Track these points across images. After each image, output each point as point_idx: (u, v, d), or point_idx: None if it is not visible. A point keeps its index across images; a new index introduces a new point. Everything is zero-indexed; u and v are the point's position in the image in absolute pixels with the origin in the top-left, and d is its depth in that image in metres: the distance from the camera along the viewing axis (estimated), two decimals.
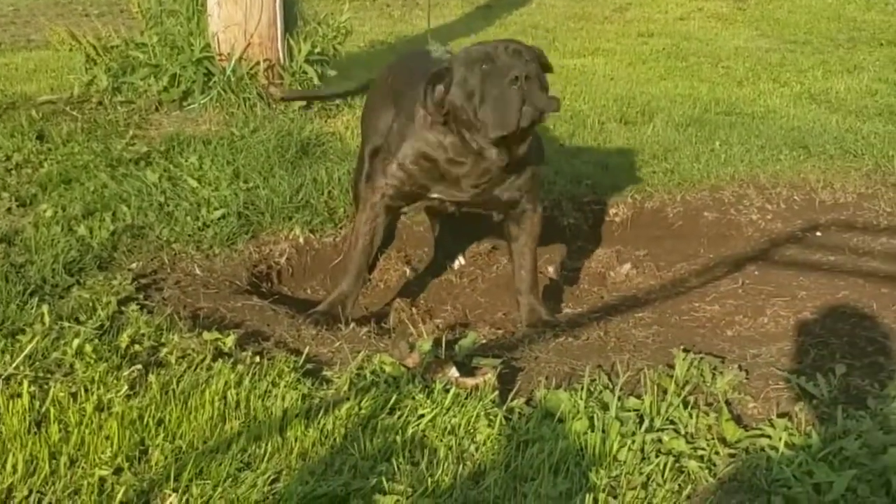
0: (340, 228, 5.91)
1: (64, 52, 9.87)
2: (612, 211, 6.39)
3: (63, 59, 9.59)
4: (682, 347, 4.25)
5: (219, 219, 5.72)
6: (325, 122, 7.62)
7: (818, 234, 6.01)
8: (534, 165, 4.92)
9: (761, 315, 4.95)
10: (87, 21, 12.24)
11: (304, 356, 4.09)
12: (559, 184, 6.51)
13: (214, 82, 7.58)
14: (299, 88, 7.75)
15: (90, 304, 4.54)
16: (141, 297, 4.76)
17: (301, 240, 5.78)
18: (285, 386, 3.80)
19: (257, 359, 4.08)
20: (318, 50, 7.91)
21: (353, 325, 4.71)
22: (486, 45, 4.61)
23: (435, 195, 4.89)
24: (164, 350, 4.11)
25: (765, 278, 5.42)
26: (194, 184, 6.16)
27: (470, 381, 3.91)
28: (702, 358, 4.12)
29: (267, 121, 7.32)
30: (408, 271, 5.82)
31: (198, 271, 5.26)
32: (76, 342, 4.01)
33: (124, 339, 4.13)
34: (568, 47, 11.55)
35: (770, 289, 5.30)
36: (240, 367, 3.91)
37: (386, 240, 5.76)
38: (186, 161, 6.53)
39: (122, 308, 4.55)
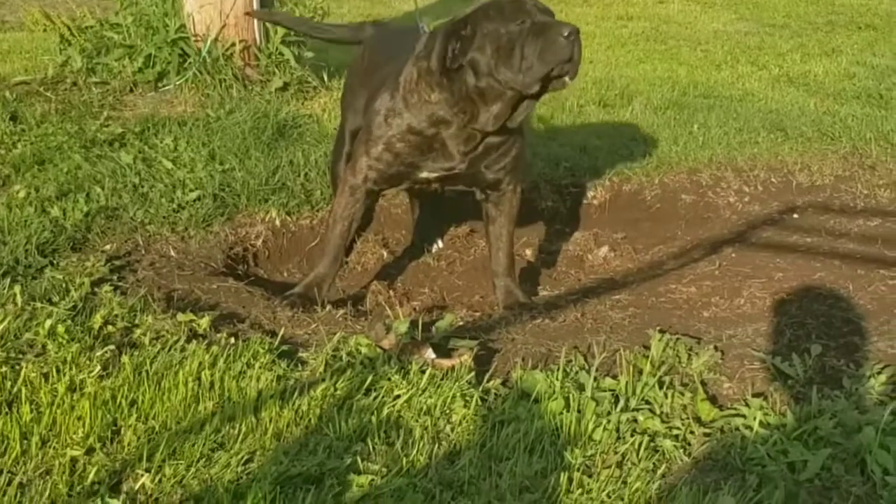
0: (317, 211, 5.87)
1: (38, 32, 9.83)
2: (590, 194, 6.38)
3: (37, 41, 9.53)
4: (657, 328, 4.24)
5: (194, 200, 5.68)
6: (302, 104, 7.58)
7: (795, 216, 6.02)
8: (520, 146, 4.89)
9: (737, 297, 4.95)
10: (63, 2, 12.13)
11: (279, 337, 4.06)
12: (537, 166, 6.49)
13: (190, 63, 7.52)
14: (275, 70, 7.69)
15: (63, 285, 4.50)
16: (114, 278, 4.73)
17: (277, 222, 5.74)
18: (260, 367, 3.77)
19: (232, 340, 4.06)
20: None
21: (329, 307, 4.68)
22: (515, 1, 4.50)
23: (424, 174, 4.81)
24: (138, 331, 4.07)
25: (741, 260, 5.42)
26: (169, 165, 6.11)
27: (446, 363, 3.89)
28: (678, 339, 4.11)
29: (243, 102, 7.27)
30: (385, 254, 5.79)
31: (172, 253, 5.22)
32: (48, 323, 3.97)
33: (97, 319, 4.08)
34: None
35: (747, 270, 5.31)
36: (214, 349, 3.87)
37: (364, 222, 5.73)
38: (161, 142, 6.49)
39: (95, 289, 4.51)
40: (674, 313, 4.82)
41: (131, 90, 7.48)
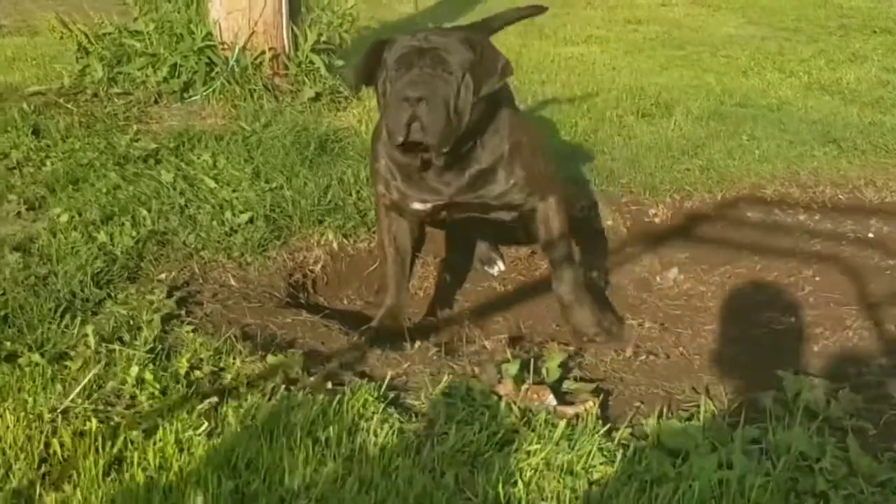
0: (373, 233, 5.54)
1: (40, 38, 9.44)
2: (650, 211, 6.08)
3: (41, 47, 9.13)
4: (791, 370, 3.95)
5: (246, 223, 5.35)
6: (335, 115, 7.24)
7: (871, 235, 5.76)
8: (525, 164, 4.53)
9: (842, 327, 4.66)
10: (54, 5, 11.74)
11: (384, 383, 3.73)
12: (593, 183, 6.19)
13: (217, 73, 7.16)
14: (305, 79, 7.34)
15: (131, 322, 4.16)
16: (182, 312, 4.39)
17: (335, 245, 5.42)
18: (375, 418, 3.45)
19: (328, 385, 3.75)
20: (323, 38, 7.50)
21: (418, 343, 4.37)
22: (411, 42, 4.24)
23: (417, 205, 4.56)
24: (228, 376, 3.76)
25: (829, 285, 5.14)
26: (212, 184, 5.77)
27: (570, 410, 3.60)
28: (810, 378, 3.83)
29: (278, 115, 6.93)
30: (448, 278, 5.48)
31: (233, 282, 4.90)
32: (134, 369, 3.64)
33: (182, 363, 3.76)
34: (559, 35, 11.22)
35: (838, 296, 5.04)
36: (321, 399, 3.55)
37: (420, 244, 5.42)
38: (199, 158, 6.14)
39: (166, 326, 4.18)
40: (781, 346, 4.54)
41: (156, 101, 7.12)
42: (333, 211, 5.61)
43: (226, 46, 7.22)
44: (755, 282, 5.44)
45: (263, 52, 7.25)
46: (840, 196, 6.16)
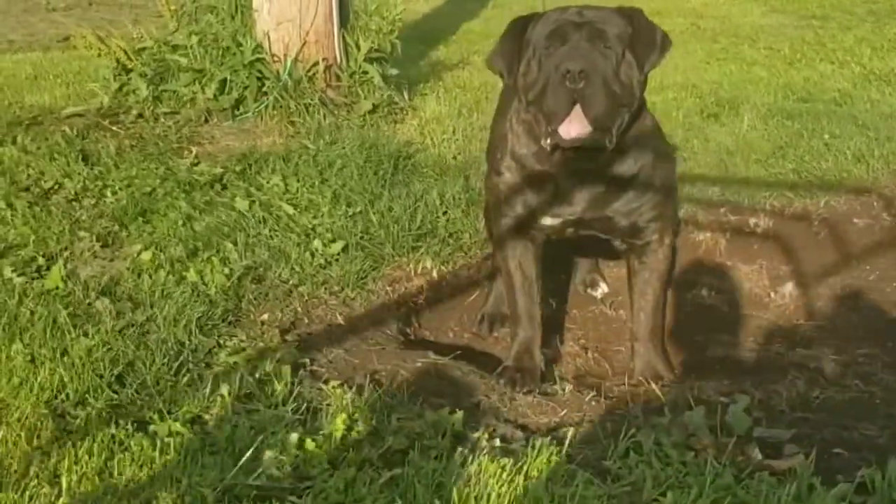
0: (470, 258, 5.18)
1: (58, 54, 9.01)
2: (751, 220, 5.73)
3: (60, 63, 8.72)
4: None
5: (339, 253, 4.97)
6: (395, 128, 6.86)
7: None
8: (663, 186, 4.14)
9: None
10: (54, 15, 11.33)
11: (566, 442, 3.36)
12: (683, 190, 5.84)
13: (269, 87, 6.76)
14: (359, 91, 6.95)
15: (258, 376, 3.78)
16: (307, 360, 4.01)
17: (434, 274, 5.04)
18: (577, 486, 3.08)
19: (497, 442, 3.38)
20: (375, 46, 7.11)
21: (567, 385, 4.00)
22: (563, 16, 3.81)
23: (548, 221, 4.13)
24: (390, 438, 3.36)
25: None
26: (290, 210, 5.40)
27: (782, 465, 3.23)
28: None
29: (341, 130, 6.54)
30: (554, 304, 5.11)
31: (340, 320, 4.52)
32: (293, 437, 3.25)
33: (339, 426, 3.38)
34: None
35: None
36: (504, 462, 3.18)
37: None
38: (268, 182, 5.76)
39: (294, 377, 3.80)
40: None
41: (206, 120, 6.70)
42: (426, 236, 5.24)
43: (276, 59, 6.82)
44: (875, 295, 5.11)
45: (317, 64, 6.85)
46: None
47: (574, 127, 3.67)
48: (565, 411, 3.76)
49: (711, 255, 5.61)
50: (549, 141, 3.78)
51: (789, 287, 5.30)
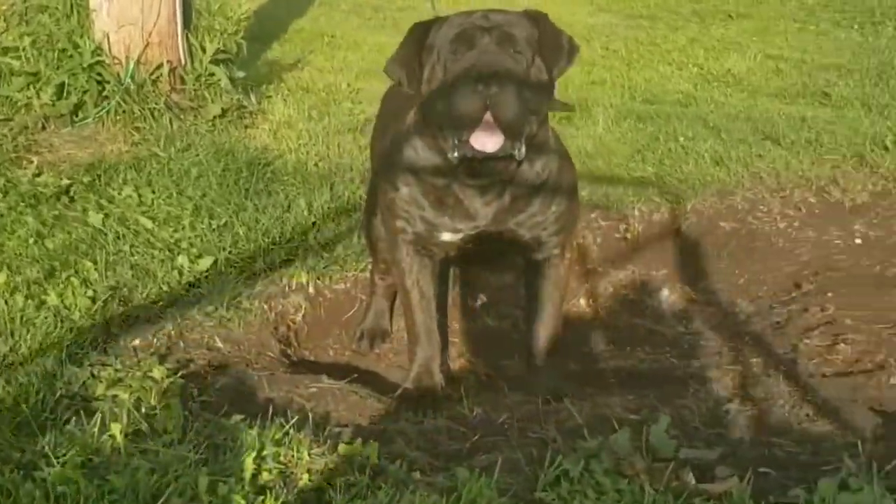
0: (346, 271, 4.95)
1: None
2: (621, 227, 5.67)
3: None
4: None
5: (208, 270, 4.68)
6: (246, 132, 6.56)
7: (858, 241, 5.51)
8: (567, 195, 3.99)
9: None
10: None
11: (495, 473, 3.17)
12: None
13: (111, 91, 6.36)
14: (206, 94, 6.61)
15: (145, 410, 3.48)
16: (195, 390, 3.73)
17: (311, 289, 4.79)
18: None
19: (417, 476, 3.18)
20: (220, 47, 6.78)
21: (477, 409, 3.82)
22: (468, 20, 3.58)
23: (447, 236, 3.91)
24: (304, 475, 3.12)
25: (860, 301, 4.79)
26: (148, 223, 5.08)
27: (717, 488, 3.13)
28: None
29: (186, 136, 6.20)
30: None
31: (220, 343, 4.24)
32: (203, 481, 2.98)
33: (248, 466, 3.12)
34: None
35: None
36: (433, 497, 2.98)
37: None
38: (120, 194, 5.41)
39: (186, 410, 3.52)
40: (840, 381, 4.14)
41: (43, 127, 6.25)
42: (298, 249, 5.00)
43: (117, 61, 6.42)
44: (745, 299, 5.13)
45: (161, 66, 6.48)
46: (811, 199, 5.89)
47: (485, 136, 3.48)
48: (477, 436, 3.58)
49: (584, 262, 5.53)
50: (456, 153, 3.58)
51: (665, 293, 5.26)
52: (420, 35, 3.66)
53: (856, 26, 10.71)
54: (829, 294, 4.91)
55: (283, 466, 3.19)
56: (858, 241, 5.52)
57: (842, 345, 4.35)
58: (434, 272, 4.11)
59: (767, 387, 4.03)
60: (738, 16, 11.49)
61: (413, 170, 3.83)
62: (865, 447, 3.32)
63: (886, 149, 6.58)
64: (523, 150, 3.58)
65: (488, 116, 3.45)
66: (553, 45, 3.67)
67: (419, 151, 3.79)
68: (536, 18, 3.69)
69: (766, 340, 4.56)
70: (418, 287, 4.06)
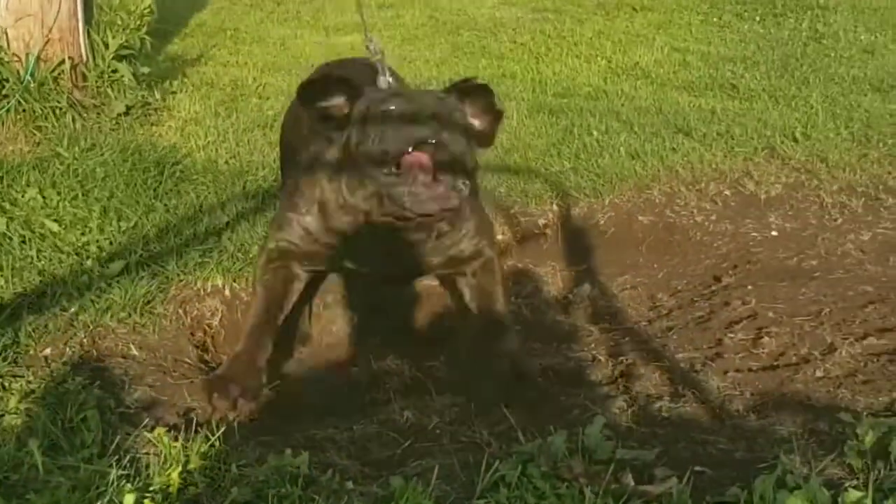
0: None
1: None
2: (540, 221, 5.63)
3: None
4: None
5: (119, 274, 4.51)
6: (151, 130, 6.38)
7: (774, 233, 5.53)
8: (476, 214, 3.83)
9: (833, 350, 4.29)
10: None
11: (431, 482, 3.08)
12: None
13: (10, 89, 6.12)
14: (109, 91, 6.40)
15: (59, 423, 3.33)
16: (111, 401, 3.57)
17: (227, 293, 4.66)
18: None
19: (350, 485, 3.08)
20: (123, 43, 6.57)
21: (407, 413, 3.71)
22: (394, 99, 3.47)
23: (350, 265, 3.77)
24: (234, 489, 3.00)
25: (780, 294, 4.80)
26: (55, 227, 4.89)
27: (656, 489, 3.08)
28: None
29: (90, 135, 6.00)
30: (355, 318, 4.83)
31: (135, 351, 4.09)
32: (129, 498, 2.83)
33: (174, 481, 2.98)
34: (322, 23, 10.67)
35: (815, 309, 4.67)
36: None
37: None
38: (23, 196, 5.20)
39: (104, 422, 3.38)
40: (764, 374, 4.12)
41: None
42: (212, 250, 4.85)
43: (16, 58, 6.18)
44: (665, 292, 5.11)
45: (62, 63, 6.26)
46: (726, 192, 5.90)
47: (425, 198, 3.29)
48: (409, 441, 3.49)
49: (505, 258, 5.46)
50: (385, 217, 3.40)
51: (587, 288, 5.22)
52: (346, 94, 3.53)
53: (758, 18, 10.80)
54: (750, 287, 4.92)
55: (209, 480, 3.07)
56: (775, 233, 5.55)
57: (766, 338, 4.35)
58: (298, 283, 3.90)
59: (696, 382, 4.00)
60: (643, 8, 11.52)
61: (322, 203, 3.64)
62: None
63: (796, 140, 6.66)
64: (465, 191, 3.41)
65: (426, 160, 3.29)
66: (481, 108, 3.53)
67: (333, 192, 3.59)
68: (462, 90, 3.52)
69: (691, 335, 4.54)
70: (273, 292, 3.84)
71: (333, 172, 3.57)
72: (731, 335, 4.44)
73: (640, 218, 5.72)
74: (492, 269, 3.91)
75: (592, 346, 4.64)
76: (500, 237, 5.46)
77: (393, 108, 3.38)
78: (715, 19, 10.89)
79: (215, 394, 3.60)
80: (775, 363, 4.19)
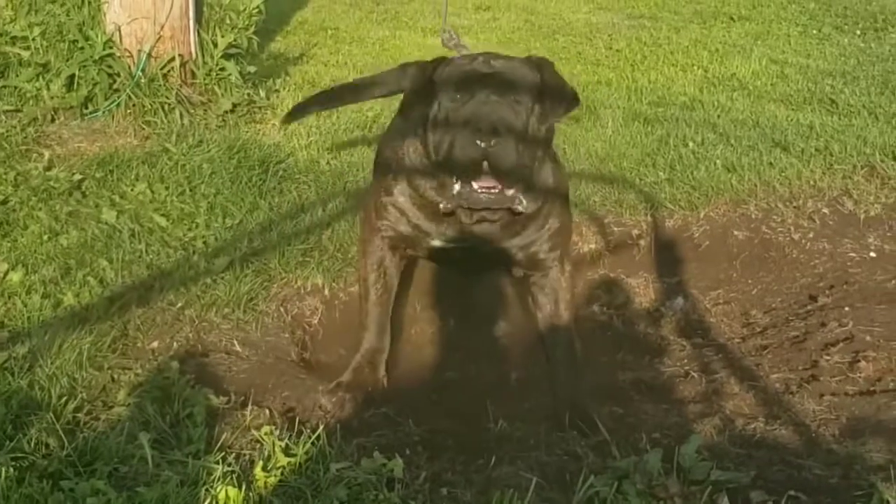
0: None
1: None
2: (634, 232, 5.66)
3: None
4: None
5: (224, 271, 4.64)
6: (256, 128, 6.51)
7: (872, 255, 5.49)
8: (561, 213, 4.01)
9: None
10: None
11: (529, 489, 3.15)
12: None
13: (121, 84, 6.30)
14: (216, 88, 6.56)
15: (169, 418, 3.45)
16: (216, 398, 3.69)
17: (326, 292, 4.77)
18: None
19: (445, 491, 3.16)
20: (232, 42, 6.72)
21: (501, 422, 3.78)
22: (471, 66, 3.65)
23: (437, 243, 3.93)
24: (332, 491, 3.09)
25: (878, 317, 4.77)
26: (162, 221, 5.04)
27: None
28: None
29: (197, 131, 6.15)
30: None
31: (238, 347, 4.22)
32: (231, 492, 2.95)
33: (277, 477, 3.09)
34: (420, 24, 10.74)
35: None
36: None
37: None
38: (133, 190, 5.37)
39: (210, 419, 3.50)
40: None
41: (52, 119, 6.18)
42: (313, 250, 4.96)
43: (129, 54, 6.36)
44: (759, 310, 5.12)
45: (172, 60, 6.42)
46: (824, 210, 5.87)
47: (480, 190, 3.60)
48: (502, 449, 3.56)
49: (596, 268, 5.52)
50: (449, 205, 3.68)
51: (680, 302, 5.25)
52: (423, 75, 3.75)
53: (858, 32, 10.68)
54: (847, 308, 4.90)
55: (310, 481, 3.16)
56: (873, 254, 5.52)
57: (863, 362, 4.34)
58: (399, 268, 4.13)
59: (791, 404, 4.02)
60: (740, 18, 11.46)
61: (411, 182, 3.86)
62: None
63: None
64: (524, 202, 3.68)
65: (486, 168, 3.51)
66: (554, 92, 3.70)
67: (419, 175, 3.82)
68: (539, 65, 3.74)
69: (786, 355, 4.55)
70: (383, 280, 4.06)
71: (417, 161, 3.83)
72: (828, 357, 4.44)
73: (736, 233, 5.71)
74: (562, 284, 4.07)
75: (685, 360, 4.68)
76: (592, 246, 5.56)
77: (461, 108, 3.57)
78: (814, 31, 10.79)
79: (334, 399, 3.84)
80: (872, 388, 4.19)
